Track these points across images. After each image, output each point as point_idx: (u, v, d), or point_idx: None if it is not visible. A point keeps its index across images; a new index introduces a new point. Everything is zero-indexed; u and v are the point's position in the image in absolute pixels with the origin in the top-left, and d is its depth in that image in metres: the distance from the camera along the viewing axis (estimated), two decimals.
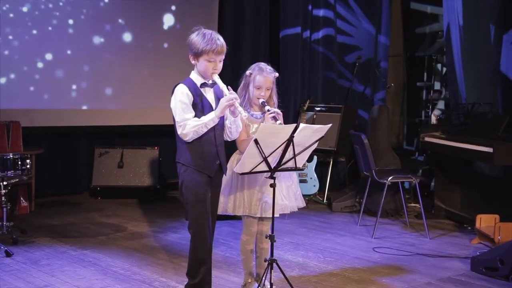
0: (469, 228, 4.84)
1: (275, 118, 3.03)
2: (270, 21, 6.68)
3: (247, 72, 3.21)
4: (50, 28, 5.63)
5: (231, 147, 3.22)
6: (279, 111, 3.08)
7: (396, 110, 7.23)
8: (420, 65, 7.15)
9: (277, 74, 3.23)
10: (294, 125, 2.80)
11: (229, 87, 2.85)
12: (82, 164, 6.07)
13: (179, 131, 2.82)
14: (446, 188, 5.28)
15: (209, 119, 2.81)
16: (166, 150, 6.23)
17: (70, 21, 5.73)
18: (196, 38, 2.84)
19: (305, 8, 6.47)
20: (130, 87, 6.13)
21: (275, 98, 3.24)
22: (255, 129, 3.15)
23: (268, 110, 3.08)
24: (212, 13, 6.44)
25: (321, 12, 6.57)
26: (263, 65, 3.21)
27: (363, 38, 6.72)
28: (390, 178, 4.63)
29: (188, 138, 2.82)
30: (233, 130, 2.98)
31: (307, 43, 6.50)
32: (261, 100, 3.15)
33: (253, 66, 3.22)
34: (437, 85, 7.11)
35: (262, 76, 3.15)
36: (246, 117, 2.83)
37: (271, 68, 3.21)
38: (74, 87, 5.82)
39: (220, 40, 2.84)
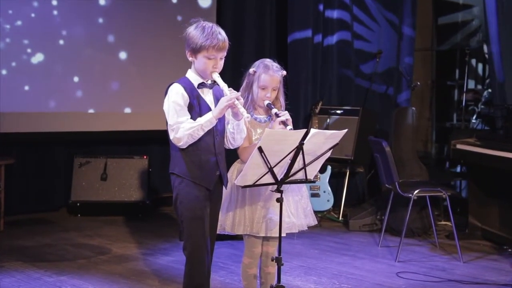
0: (510, 250, 4.85)
1: (284, 123, 3.06)
2: (276, 13, 6.72)
3: (251, 70, 3.24)
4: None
5: (231, 156, 3.25)
6: (288, 115, 3.11)
7: (424, 112, 7.26)
8: (451, 61, 7.18)
9: (284, 72, 3.26)
10: (304, 130, 2.83)
11: (230, 88, 2.88)
12: (59, 176, 6.10)
13: (172, 135, 2.85)
14: (482, 204, 5.29)
15: (206, 120, 2.84)
16: (157, 160, 6.26)
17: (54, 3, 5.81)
18: (194, 31, 2.88)
19: (316, 8, 6.48)
20: (115, 87, 6.17)
21: (282, 100, 3.27)
22: (258, 135, 3.19)
23: (276, 114, 3.11)
24: (210, 6, 6.50)
25: (335, 14, 6.58)
26: (268, 61, 3.24)
27: (384, 40, 6.70)
28: (416, 191, 4.65)
29: (182, 143, 2.85)
30: (236, 136, 3.01)
31: (319, 48, 6.52)
32: (266, 102, 3.18)
33: (257, 63, 3.25)
34: (471, 84, 7.13)
35: (267, 74, 3.18)
36: (248, 118, 2.86)
37: (278, 66, 3.24)
38: (49, 87, 5.85)
39: (222, 35, 2.88)
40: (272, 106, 3.17)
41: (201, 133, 2.86)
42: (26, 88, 5.72)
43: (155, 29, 6.24)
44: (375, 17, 6.77)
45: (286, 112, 3.12)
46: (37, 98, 5.79)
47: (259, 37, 6.66)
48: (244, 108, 3.06)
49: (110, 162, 6.07)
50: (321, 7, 6.54)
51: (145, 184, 6.05)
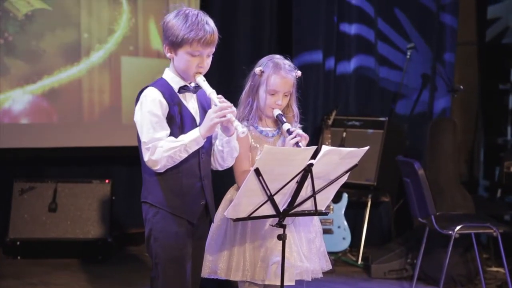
0: None
1: (298, 145, 3.06)
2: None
3: (257, 70, 3.28)
4: None
5: (224, 180, 3.29)
6: (303, 133, 3.12)
7: (468, 125, 7.30)
8: (503, 58, 7.23)
9: (299, 73, 3.30)
10: (314, 147, 2.86)
11: (220, 96, 2.89)
12: None
13: (147, 156, 2.87)
14: None
15: (191, 140, 2.87)
16: (122, 185, 6.28)
17: None
18: (174, 20, 2.92)
19: (330, 20, 6.43)
20: (67, 90, 6.19)
21: (295, 108, 3.31)
22: None
23: (289, 131, 3.12)
24: None
25: (352, 29, 6.56)
26: (279, 59, 3.29)
27: (417, 67, 6.73)
28: (458, 228, 4.69)
29: (160, 166, 2.88)
30: (226, 155, 3.03)
31: (331, 76, 6.52)
32: (276, 112, 3.22)
33: (264, 60, 3.29)
34: None
35: (278, 76, 3.22)
36: (243, 135, 2.84)
37: (291, 64, 3.28)
38: None
39: (210, 25, 2.92)
40: (284, 120, 3.19)
41: (184, 155, 2.88)
42: None
43: None
44: (407, 32, 6.75)
45: (301, 131, 3.14)
46: None
47: (255, 28, 6.71)
48: (248, 118, 3.09)
49: (61, 187, 6.06)
50: (335, 18, 6.47)
51: (107, 216, 6.04)
